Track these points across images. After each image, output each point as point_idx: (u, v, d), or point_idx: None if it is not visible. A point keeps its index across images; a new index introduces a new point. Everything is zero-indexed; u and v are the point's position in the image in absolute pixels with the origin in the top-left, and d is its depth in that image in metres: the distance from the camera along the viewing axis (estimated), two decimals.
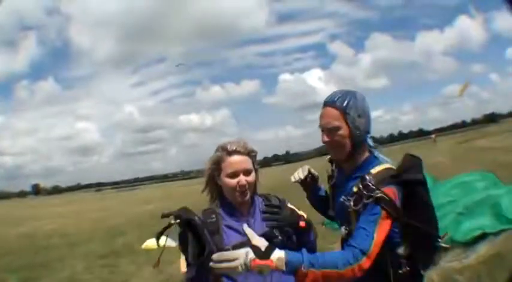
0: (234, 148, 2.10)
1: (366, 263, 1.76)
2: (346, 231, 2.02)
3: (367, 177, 1.91)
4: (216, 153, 2.13)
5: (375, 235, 1.82)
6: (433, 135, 64.95)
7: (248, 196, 2.11)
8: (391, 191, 1.90)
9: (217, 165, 2.12)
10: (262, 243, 1.77)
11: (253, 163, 2.15)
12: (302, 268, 1.68)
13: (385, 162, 2.05)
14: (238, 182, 2.06)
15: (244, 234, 2.00)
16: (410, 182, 1.96)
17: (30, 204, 65.99)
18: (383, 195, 1.86)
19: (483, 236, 5.50)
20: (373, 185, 1.88)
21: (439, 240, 2.05)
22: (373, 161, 2.07)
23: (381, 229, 1.84)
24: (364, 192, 1.89)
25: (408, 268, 1.98)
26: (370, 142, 2.11)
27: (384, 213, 1.85)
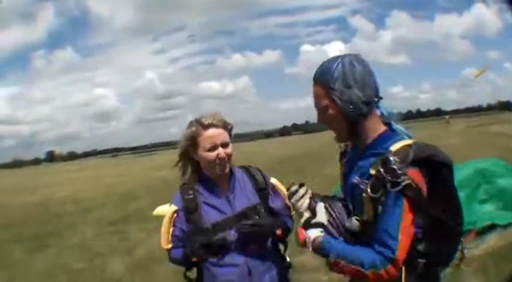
0: (210, 121, 2.19)
1: (392, 270, 1.65)
2: (358, 223, 1.80)
3: (391, 159, 1.65)
4: (191, 128, 2.23)
5: (400, 237, 1.65)
6: (446, 117, 68.48)
7: (228, 168, 2.25)
8: (418, 175, 1.68)
9: (192, 140, 2.21)
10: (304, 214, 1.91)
11: (229, 136, 2.27)
12: (330, 258, 1.74)
13: (406, 137, 1.80)
14: (217, 155, 2.17)
15: (224, 212, 2.20)
16: (439, 164, 1.74)
17: (44, 171, 68.39)
18: (411, 181, 1.64)
19: (493, 226, 5.55)
20: (399, 168, 1.63)
21: (462, 236, 1.93)
22: (391, 135, 1.80)
23: (405, 227, 1.66)
24: (389, 177, 1.64)
25: (425, 268, 1.79)
26: (384, 111, 1.86)
27: (406, 205, 1.65)
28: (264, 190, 2.34)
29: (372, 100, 1.77)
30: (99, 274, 6.85)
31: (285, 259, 2.38)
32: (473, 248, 4.85)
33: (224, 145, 2.21)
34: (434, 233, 1.77)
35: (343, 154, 2.09)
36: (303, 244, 1.82)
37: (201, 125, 2.20)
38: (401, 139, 1.76)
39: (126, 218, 11.62)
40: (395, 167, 1.63)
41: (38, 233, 10.69)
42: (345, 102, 1.74)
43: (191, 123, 2.25)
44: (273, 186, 2.41)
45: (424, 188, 1.70)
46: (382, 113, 1.86)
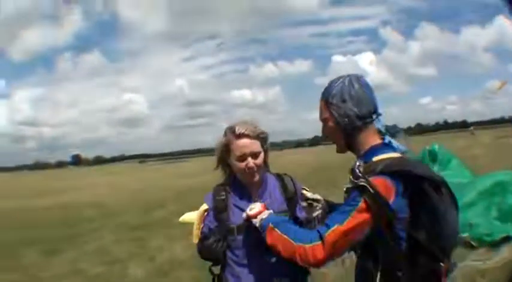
0: (242, 131, 2.29)
1: (318, 249, 1.78)
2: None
3: (356, 163, 1.87)
4: (225, 137, 2.36)
5: (340, 223, 1.77)
6: (471, 128, 72.90)
7: (257, 177, 2.36)
8: (381, 183, 1.78)
9: (226, 147, 2.35)
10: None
11: (262, 145, 2.36)
12: (269, 224, 2.01)
13: (398, 151, 1.97)
14: (246, 165, 2.30)
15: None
16: (416, 178, 1.80)
17: (68, 174, 69.55)
18: (367, 185, 1.77)
19: (507, 238, 5.86)
20: (360, 172, 1.82)
21: (441, 264, 1.84)
22: (381, 148, 1.97)
23: (351, 220, 1.77)
24: (351, 178, 1.84)
25: None
26: (380, 126, 2.03)
27: (362, 205, 1.77)
28: (292, 199, 2.44)
29: (366, 115, 1.96)
30: (117, 279, 6.73)
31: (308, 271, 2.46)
32: (488, 260, 5.24)
33: (254, 155, 2.32)
34: (412, 253, 1.81)
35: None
36: (255, 214, 2.13)
37: (233, 133, 2.32)
38: (390, 152, 1.93)
39: (148, 224, 11.50)
40: (357, 172, 1.82)
41: (57, 236, 10.64)
42: (341, 116, 1.96)
43: (226, 131, 2.38)
44: (302, 195, 2.51)
45: (390, 197, 1.77)
46: (379, 129, 2.02)
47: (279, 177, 2.53)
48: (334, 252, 1.79)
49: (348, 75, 2.03)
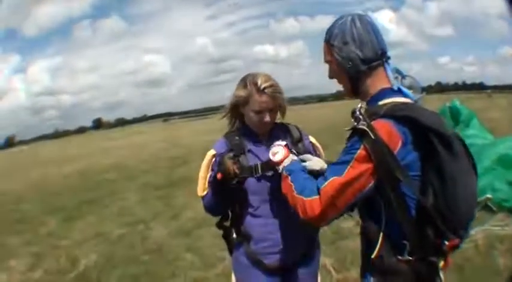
0: (265, 86, 2.37)
1: (315, 203, 1.74)
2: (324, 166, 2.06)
3: (357, 108, 1.82)
4: (246, 88, 2.42)
5: (338, 175, 1.71)
6: (488, 91, 73.27)
7: (268, 129, 2.54)
8: (384, 127, 1.69)
9: (245, 98, 2.43)
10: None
11: (279, 103, 2.47)
12: (283, 170, 2.08)
13: (408, 98, 1.88)
14: (263, 119, 2.43)
15: (264, 159, 2.42)
16: (424, 128, 1.68)
17: (89, 139, 70.69)
18: (367, 129, 1.68)
19: None
20: (361, 114, 1.78)
21: (445, 242, 1.71)
22: (389, 93, 1.89)
23: (350, 171, 1.69)
24: (352, 121, 1.80)
25: (411, 257, 1.75)
26: (388, 70, 1.94)
27: (362, 152, 1.69)
28: (299, 142, 2.58)
29: (371, 58, 1.89)
30: (140, 240, 6.99)
31: None
32: (507, 226, 5.41)
33: (271, 111, 2.44)
34: (418, 217, 1.73)
35: None
36: (281, 160, 2.16)
37: (256, 87, 2.39)
38: (397, 97, 1.86)
39: (172, 183, 11.84)
40: (358, 114, 1.78)
41: (77, 202, 11.04)
42: (344, 59, 1.92)
43: (248, 81, 2.44)
44: (312, 144, 2.69)
45: (395, 145, 1.67)
46: (389, 74, 1.94)
47: (284, 125, 2.66)
48: (333, 207, 1.72)
49: (351, 15, 1.96)
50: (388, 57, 1.94)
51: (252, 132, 2.54)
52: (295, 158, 2.17)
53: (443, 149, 1.66)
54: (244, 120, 2.57)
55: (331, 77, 2.06)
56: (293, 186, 1.89)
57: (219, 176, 2.28)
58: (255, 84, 2.38)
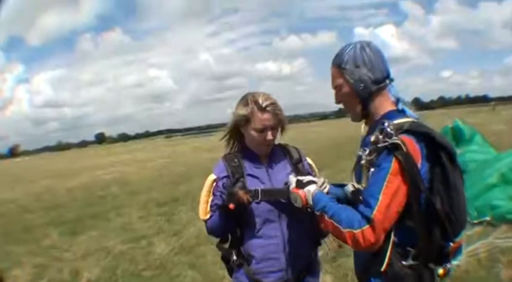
0: (266, 104, 2.40)
1: (369, 233, 1.77)
2: (352, 190, 2.01)
3: (386, 123, 1.89)
4: (247, 106, 2.43)
5: (380, 196, 1.78)
6: (492, 103, 77.17)
7: (270, 149, 2.55)
8: (410, 142, 1.84)
9: (246, 117, 2.43)
10: (306, 177, 2.23)
11: (280, 120, 2.48)
12: (315, 211, 2.01)
13: (411, 118, 2.03)
14: (265, 137, 2.44)
15: (264, 182, 2.47)
16: (437, 144, 1.87)
17: (91, 153, 70.70)
18: (400, 142, 1.80)
19: None
20: (392, 130, 1.85)
21: (450, 244, 1.93)
22: (397, 114, 2.04)
23: (389, 188, 1.79)
24: (381, 137, 1.87)
25: (416, 261, 1.90)
26: (393, 91, 2.11)
27: (395, 166, 1.80)
28: (298, 164, 2.59)
29: (380, 80, 2.05)
30: (142, 255, 6.97)
31: (319, 242, 2.65)
32: (510, 238, 5.44)
33: (273, 128, 2.45)
34: (426, 220, 1.85)
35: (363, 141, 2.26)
36: (305, 202, 2.10)
37: (257, 105, 2.40)
38: (405, 117, 2.00)
39: (174, 200, 11.79)
40: (387, 128, 1.85)
41: (80, 215, 11.06)
42: (356, 81, 2.04)
43: (248, 100, 2.45)
44: (309, 166, 2.69)
45: (418, 159, 1.83)
46: (392, 96, 2.10)
47: (283, 147, 2.67)
48: (384, 230, 1.80)
49: (358, 42, 2.10)
50: (392, 79, 2.10)
51: (251, 155, 2.54)
52: (312, 188, 2.12)
53: (448, 163, 1.86)
54: (243, 141, 2.58)
55: (339, 101, 2.17)
56: (336, 223, 1.87)
57: (231, 206, 2.26)
58: (256, 102, 2.40)
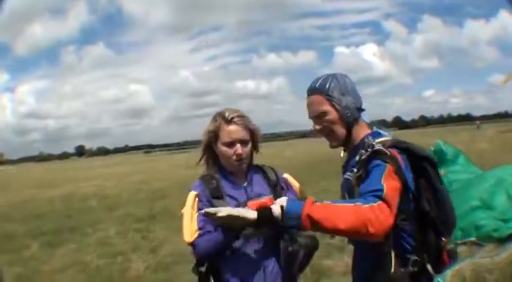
0: (232, 117, 2.35)
1: (385, 208, 1.70)
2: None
3: (366, 139, 2.03)
4: (215, 122, 2.40)
5: (383, 183, 1.78)
6: (477, 122, 75.64)
7: (244, 165, 2.42)
8: (395, 152, 1.92)
9: (214, 133, 2.39)
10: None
11: (251, 136, 2.41)
12: (311, 198, 1.80)
13: (389, 137, 2.12)
14: (235, 151, 2.34)
15: (241, 201, 2.29)
16: (418, 156, 1.97)
17: (71, 166, 69.86)
18: (383, 149, 1.90)
19: None
20: (377, 144, 1.94)
21: (443, 239, 2.02)
22: (376, 134, 2.12)
23: (388, 181, 1.80)
24: (363, 151, 1.96)
25: (417, 267, 1.94)
26: (366, 119, 2.21)
27: (390, 167, 1.84)
28: (276, 186, 2.47)
29: (360, 107, 2.16)
30: (119, 272, 6.87)
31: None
32: (496, 256, 5.30)
33: (243, 142, 2.36)
34: (420, 224, 1.96)
35: (343, 167, 2.29)
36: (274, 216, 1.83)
37: (223, 119, 2.37)
38: (383, 137, 2.08)
39: (152, 216, 11.66)
40: (371, 142, 1.95)
41: (59, 227, 10.89)
42: (344, 108, 2.10)
43: (215, 116, 2.42)
44: (286, 180, 2.57)
45: (403, 166, 1.89)
46: (364, 120, 2.20)
47: (259, 167, 2.55)
48: (393, 214, 1.74)
49: (334, 73, 2.19)
50: (363, 109, 2.19)
51: (229, 175, 2.42)
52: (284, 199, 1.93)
53: (432, 170, 1.98)
54: (219, 162, 2.45)
55: (322, 127, 2.16)
56: (348, 203, 1.80)
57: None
58: (223, 116, 2.37)
